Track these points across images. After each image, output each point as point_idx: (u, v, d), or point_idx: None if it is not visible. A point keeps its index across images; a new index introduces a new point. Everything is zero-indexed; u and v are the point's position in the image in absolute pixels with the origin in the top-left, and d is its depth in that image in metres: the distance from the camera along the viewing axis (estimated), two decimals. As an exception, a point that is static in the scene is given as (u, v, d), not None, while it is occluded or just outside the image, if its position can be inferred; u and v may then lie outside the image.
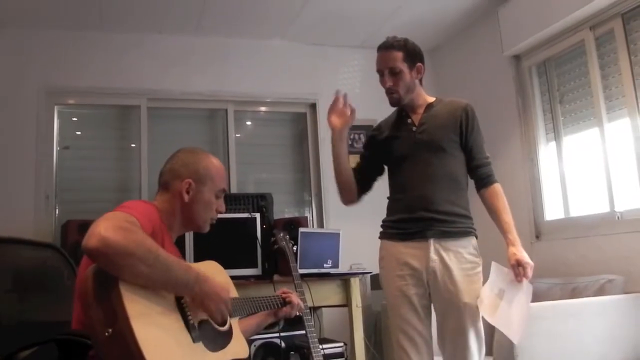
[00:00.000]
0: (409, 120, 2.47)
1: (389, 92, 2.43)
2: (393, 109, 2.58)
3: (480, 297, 2.27)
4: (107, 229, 1.46)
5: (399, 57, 2.38)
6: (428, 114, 2.45)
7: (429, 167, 2.37)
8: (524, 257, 2.28)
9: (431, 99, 2.51)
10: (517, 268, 2.27)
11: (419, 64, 2.43)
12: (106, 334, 1.44)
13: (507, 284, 2.32)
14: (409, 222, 2.37)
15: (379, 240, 2.51)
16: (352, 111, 2.50)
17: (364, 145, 2.72)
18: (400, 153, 2.44)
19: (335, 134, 2.49)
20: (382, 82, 2.44)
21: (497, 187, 2.40)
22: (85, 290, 1.55)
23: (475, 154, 2.42)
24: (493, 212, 2.38)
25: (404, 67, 2.39)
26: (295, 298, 2.23)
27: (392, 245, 2.41)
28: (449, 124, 2.41)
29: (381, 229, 2.52)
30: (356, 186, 2.59)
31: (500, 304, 2.29)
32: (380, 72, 2.44)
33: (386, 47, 2.42)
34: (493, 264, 2.35)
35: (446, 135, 2.39)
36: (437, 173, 2.37)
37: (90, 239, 1.45)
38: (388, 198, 2.55)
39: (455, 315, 2.28)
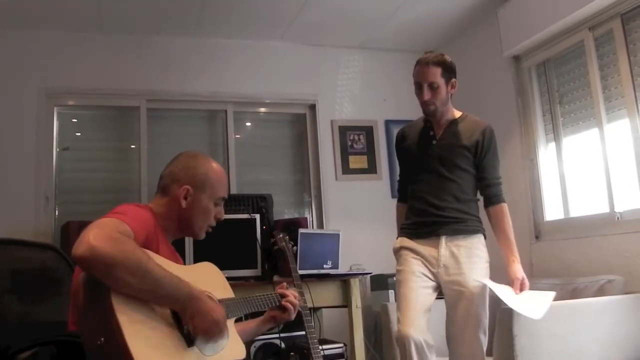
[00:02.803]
0: (431, 133, 2.69)
1: (426, 105, 2.62)
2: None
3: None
4: (96, 237, 1.44)
5: (438, 72, 2.58)
6: (449, 130, 2.67)
7: (441, 180, 2.62)
8: (525, 276, 2.56)
9: (457, 114, 2.72)
10: (519, 284, 2.53)
11: (453, 79, 2.64)
12: (98, 342, 1.44)
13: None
14: (422, 225, 2.62)
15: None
16: None
17: (396, 153, 2.90)
18: (418, 163, 2.69)
19: None
20: (420, 94, 2.62)
21: (504, 206, 2.64)
22: (77, 298, 1.54)
23: (486, 174, 2.65)
24: (498, 230, 2.63)
25: (442, 82, 2.60)
26: (291, 301, 2.11)
27: (409, 241, 2.65)
28: (466, 143, 2.62)
29: (400, 231, 2.76)
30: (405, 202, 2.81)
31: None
32: (418, 84, 2.63)
33: (426, 63, 2.60)
34: (486, 280, 2.55)
35: (461, 153, 2.61)
36: (450, 187, 2.61)
37: (79, 247, 1.43)
38: (407, 202, 2.78)
39: (463, 304, 2.50)
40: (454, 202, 2.58)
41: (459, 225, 2.57)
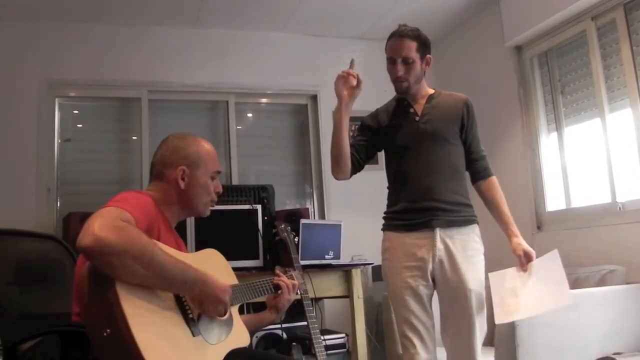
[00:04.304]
0: (412, 110, 2.50)
1: (399, 81, 2.44)
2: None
3: (494, 311, 2.32)
4: (101, 227, 1.44)
5: (413, 47, 2.39)
6: (430, 104, 2.49)
7: (433, 157, 2.41)
8: (528, 247, 2.39)
9: (431, 91, 2.55)
10: (523, 258, 2.37)
11: (429, 55, 2.46)
12: (104, 334, 1.44)
13: (517, 279, 2.38)
14: (414, 213, 2.39)
15: (381, 232, 2.52)
16: (359, 82, 2.48)
17: (359, 130, 2.64)
18: (402, 142, 2.46)
19: (342, 104, 2.45)
20: (393, 70, 2.43)
21: (494, 179, 2.51)
22: (81, 289, 1.55)
23: (473, 148, 2.50)
24: (491, 204, 2.47)
25: (416, 57, 2.40)
26: (283, 280, 2.15)
27: (397, 237, 2.42)
28: (451, 116, 2.46)
29: (384, 221, 2.53)
30: (351, 163, 2.49)
31: (520, 300, 2.33)
32: (391, 59, 2.43)
33: (401, 36, 2.41)
34: (490, 275, 2.42)
35: (449, 126, 2.45)
36: (441, 163, 2.41)
37: (85, 238, 1.43)
38: (388, 188, 2.56)
39: (461, 302, 2.32)
40: (447, 182, 2.38)
41: (453, 215, 2.36)
